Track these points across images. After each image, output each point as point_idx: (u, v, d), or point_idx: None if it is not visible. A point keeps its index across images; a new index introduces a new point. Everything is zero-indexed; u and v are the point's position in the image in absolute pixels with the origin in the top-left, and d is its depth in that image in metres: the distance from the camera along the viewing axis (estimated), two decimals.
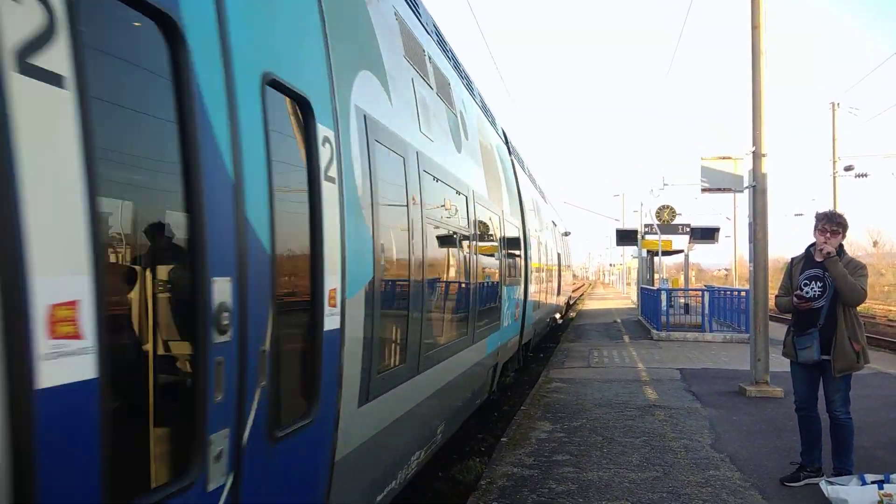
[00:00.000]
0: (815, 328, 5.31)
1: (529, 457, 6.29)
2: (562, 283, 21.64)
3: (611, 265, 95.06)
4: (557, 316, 21.09)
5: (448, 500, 6.10)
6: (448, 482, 6.51)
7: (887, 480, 4.73)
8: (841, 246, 5.44)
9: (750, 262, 9.76)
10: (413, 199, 4.56)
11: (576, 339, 17.86)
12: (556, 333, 20.17)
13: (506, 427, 7.77)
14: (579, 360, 13.14)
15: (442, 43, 6.62)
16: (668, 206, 26.86)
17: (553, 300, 18.44)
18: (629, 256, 49.76)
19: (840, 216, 5.51)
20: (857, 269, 5.33)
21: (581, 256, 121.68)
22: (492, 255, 7.87)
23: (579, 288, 67.77)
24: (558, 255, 20.27)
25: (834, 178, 26.32)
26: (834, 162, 26.49)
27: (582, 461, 6.13)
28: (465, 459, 7.06)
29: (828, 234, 5.36)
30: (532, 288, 12.04)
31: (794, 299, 5.42)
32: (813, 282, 5.39)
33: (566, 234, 27.40)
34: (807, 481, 5.38)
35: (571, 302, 34.89)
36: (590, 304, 40.39)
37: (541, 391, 9.73)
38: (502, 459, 6.21)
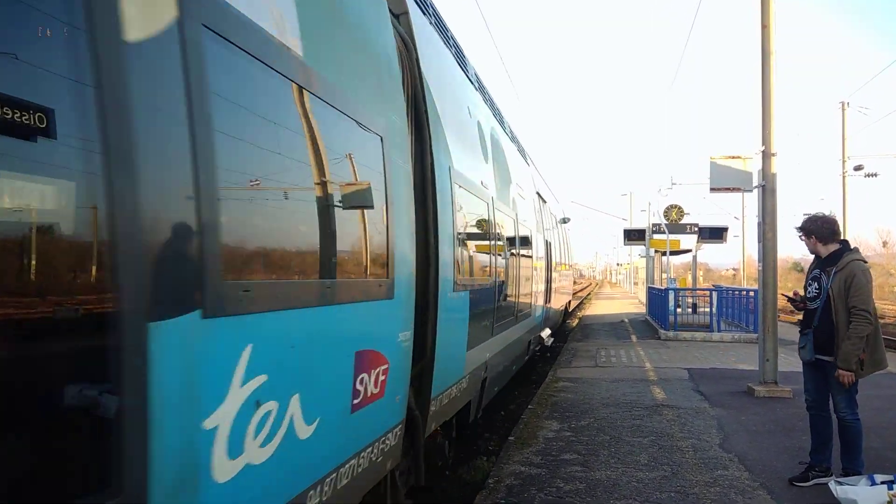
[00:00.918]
0: (810, 329, 5.40)
1: (537, 455, 6.29)
2: (554, 285, 15.06)
3: (618, 264, 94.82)
4: (546, 333, 14.06)
5: (455, 500, 6.11)
6: (455, 482, 6.52)
7: None
8: (846, 242, 5.47)
9: (759, 261, 9.71)
10: None
11: (583, 338, 17.83)
12: (562, 333, 20.10)
13: (513, 426, 7.78)
14: (587, 360, 13.12)
15: None
16: (676, 206, 26.84)
17: (537, 310, 11.97)
18: (636, 256, 49.59)
19: (806, 221, 5.56)
20: (850, 285, 5.11)
21: (588, 255, 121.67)
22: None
23: (586, 287, 67.67)
24: (547, 243, 13.72)
25: (843, 177, 26.15)
26: (843, 161, 26.32)
27: (590, 460, 6.12)
28: (472, 458, 7.07)
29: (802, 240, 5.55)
30: (461, 299, 5.47)
31: (786, 297, 5.56)
32: (813, 282, 5.45)
33: (564, 220, 21.22)
34: (816, 481, 5.37)
35: (571, 309, 27.41)
36: (597, 304, 40.32)
37: (548, 390, 9.72)
38: (510, 458, 6.21)
